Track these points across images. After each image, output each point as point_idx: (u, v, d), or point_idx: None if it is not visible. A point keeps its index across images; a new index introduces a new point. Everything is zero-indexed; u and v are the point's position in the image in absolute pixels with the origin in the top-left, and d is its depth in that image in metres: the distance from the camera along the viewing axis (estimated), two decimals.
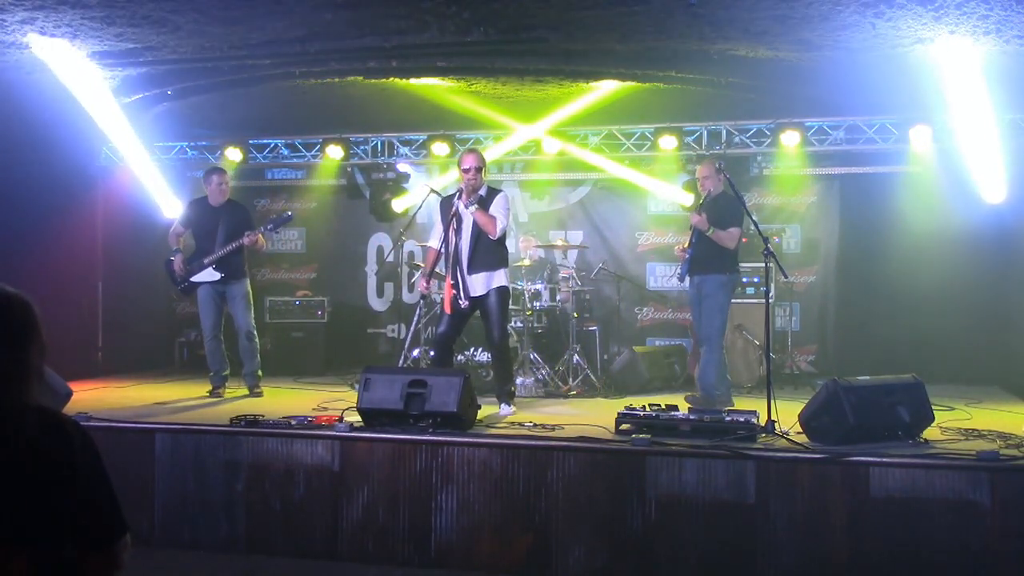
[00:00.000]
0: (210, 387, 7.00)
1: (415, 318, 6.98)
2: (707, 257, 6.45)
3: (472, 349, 7.58)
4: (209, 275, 6.90)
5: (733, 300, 8.09)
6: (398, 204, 9.20)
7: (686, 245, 6.59)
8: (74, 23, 5.94)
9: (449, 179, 8.93)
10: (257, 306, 7.29)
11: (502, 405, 5.92)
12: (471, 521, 4.75)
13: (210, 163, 9.21)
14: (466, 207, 5.88)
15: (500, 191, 6.06)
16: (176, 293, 7.57)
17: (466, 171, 5.90)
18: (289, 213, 7.26)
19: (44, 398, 1.95)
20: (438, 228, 6.20)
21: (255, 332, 7.08)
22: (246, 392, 7.00)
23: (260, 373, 7.08)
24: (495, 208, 5.91)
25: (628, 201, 9.41)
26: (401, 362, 6.95)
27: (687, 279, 6.66)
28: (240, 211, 7.17)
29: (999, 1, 5.37)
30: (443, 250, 6.03)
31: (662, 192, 8.87)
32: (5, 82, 7.23)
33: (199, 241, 7.03)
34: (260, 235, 6.89)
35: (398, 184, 9.31)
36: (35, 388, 1.90)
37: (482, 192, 5.95)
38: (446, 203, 6.12)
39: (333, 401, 6.43)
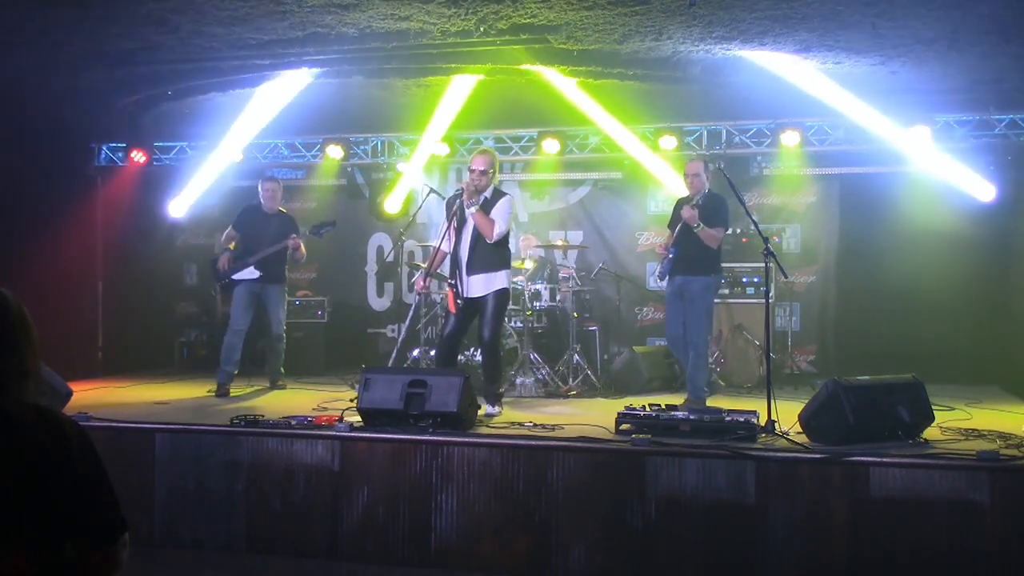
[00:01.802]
0: (216, 384, 7.02)
1: (409, 317, 7.03)
2: (692, 257, 6.34)
3: (472, 349, 7.57)
4: (249, 273, 7.17)
5: (733, 300, 8.16)
6: (390, 204, 9.21)
7: (668, 243, 6.48)
8: (74, 22, 5.94)
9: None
10: None
11: (487, 405, 5.91)
12: (471, 521, 4.75)
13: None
14: (467, 207, 5.87)
15: (505, 195, 5.98)
16: (215, 288, 7.85)
17: (471, 172, 5.88)
18: (334, 220, 7.63)
19: (44, 398, 1.95)
20: (443, 227, 6.19)
21: (284, 336, 7.48)
22: (247, 392, 7.04)
23: (283, 369, 7.54)
24: (496, 212, 5.86)
25: (628, 201, 9.41)
26: (392, 361, 6.96)
27: (666, 278, 6.52)
28: (289, 221, 7.47)
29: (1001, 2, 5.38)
30: (446, 249, 6.02)
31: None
32: (5, 84, 7.24)
33: (247, 244, 7.32)
34: (300, 240, 7.17)
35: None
36: (32, 387, 1.90)
37: (487, 194, 5.91)
38: (450, 202, 6.11)
39: (333, 401, 6.43)
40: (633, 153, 8.47)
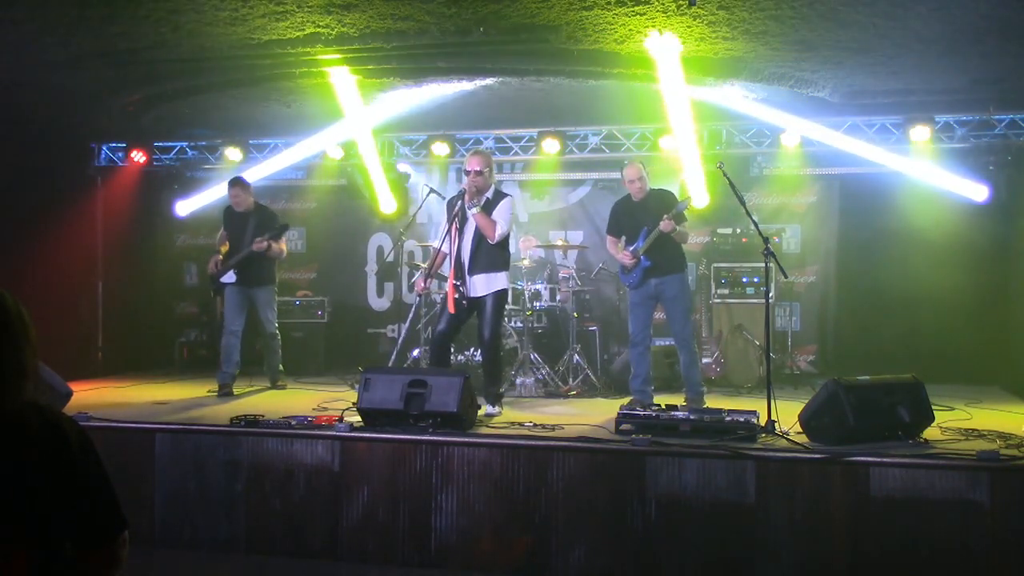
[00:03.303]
0: (217, 384, 7.03)
1: (410, 317, 7.03)
2: (667, 259, 6.32)
3: (472, 349, 7.58)
4: (229, 277, 7.22)
5: (733, 300, 8.17)
6: (384, 205, 9.24)
7: (636, 252, 6.32)
8: (73, 22, 5.94)
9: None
10: None
11: (487, 405, 5.92)
12: (471, 521, 4.75)
13: (198, 164, 9.54)
14: (468, 208, 5.88)
15: (506, 196, 6.01)
16: (212, 292, 7.76)
17: (468, 173, 5.90)
18: (285, 223, 7.48)
19: (44, 398, 1.95)
20: (443, 228, 6.20)
21: (278, 333, 7.48)
22: (247, 392, 7.05)
23: (282, 368, 7.54)
24: (497, 213, 5.88)
25: None
26: (392, 361, 6.96)
27: (640, 285, 6.38)
28: (265, 218, 7.37)
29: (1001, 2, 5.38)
30: (447, 249, 6.03)
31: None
32: (4, 84, 7.24)
33: (231, 244, 7.35)
34: (266, 242, 7.09)
35: (400, 184, 9.39)
36: (31, 387, 1.90)
37: (488, 195, 5.92)
38: (451, 203, 6.13)
39: (333, 401, 6.43)
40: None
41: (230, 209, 7.42)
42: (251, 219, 7.28)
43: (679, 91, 7.16)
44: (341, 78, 7.20)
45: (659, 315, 6.75)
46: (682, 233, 6.32)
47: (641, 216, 6.40)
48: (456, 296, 5.89)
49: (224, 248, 7.40)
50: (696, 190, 8.05)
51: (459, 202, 5.96)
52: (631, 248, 6.41)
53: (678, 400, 5.95)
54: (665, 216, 6.21)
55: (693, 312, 6.58)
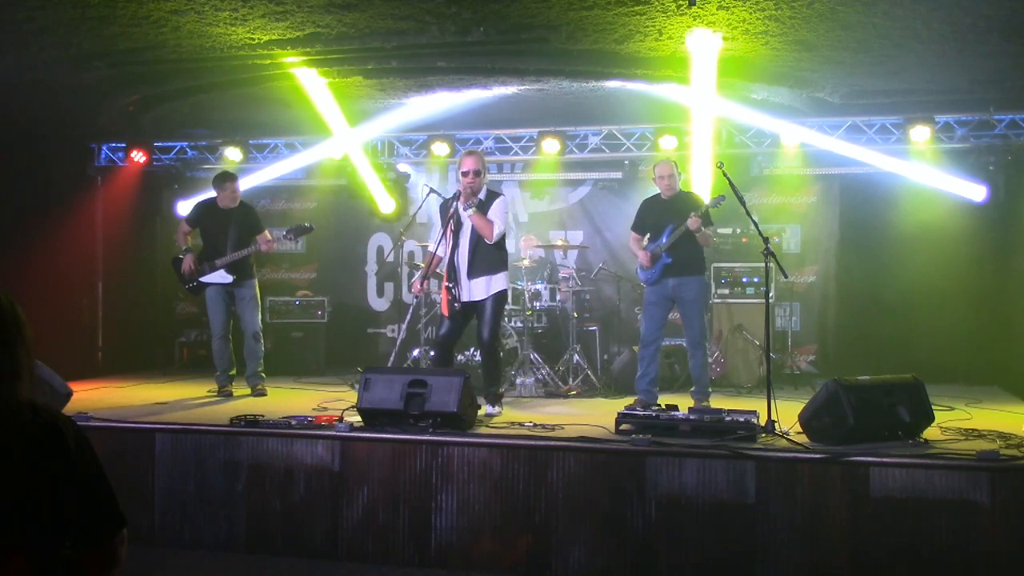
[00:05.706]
0: (216, 387, 7.01)
1: (407, 318, 7.03)
2: (688, 259, 6.32)
3: (472, 349, 7.58)
4: (220, 277, 6.94)
5: (733, 300, 8.17)
6: (383, 205, 9.24)
7: (656, 251, 6.32)
8: (74, 22, 5.94)
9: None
10: None
11: (487, 405, 5.92)
12: (471, 521, 4.75)
13: (198, 164, 9.56)
14: (464, 210, 5.86)
15: (499, 195, 6.01)
16: (183, 292, 7.51)
17: (464, 174, 5.89)
18: (309, 224, 7.30)
19: (44, 398, 1.95)
20: (439, 231, 6.18)
21: (261, 333, 7.15)
22: (247, 392, 7.01)
23: (264, 374, 7.14)
24: (493, 212, 5.87)
25: (628, 201, 9.36)
26: (392, 361, 6.96)
27: (658, 282, 6.40)
28: (250, 214, 7.17)
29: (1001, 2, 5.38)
30: (442, 253, 6.03)
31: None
32: (4, 83, 7.24)
33: (209, 242, 7.05)
34: (271, 239, 6.96)
35: (400, 184, 9.39)
36: (26, 387, 1.90)
37: (481, 196, 5.92)
38: (445, 205, 6.12)
39: (333, 401, 6.43)
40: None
41: (209, 204, 7.11)
42: (234, 217, 6.99)
43: (679, 92, 7.16)
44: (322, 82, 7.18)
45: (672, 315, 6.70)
46: (707, 235, 6.30)
47: (667, 214, 6.39)
48: (449, 299, 5.88)
49: (189, 242, 7.10)
50: (701, 190, 8.05)
51: (453, 204, 5.94)
52: (652, 246, 6.40)
53: (678, 400, 5.94)
54: (693, 213, 6.18)
55: (705, 315, 6.57)
